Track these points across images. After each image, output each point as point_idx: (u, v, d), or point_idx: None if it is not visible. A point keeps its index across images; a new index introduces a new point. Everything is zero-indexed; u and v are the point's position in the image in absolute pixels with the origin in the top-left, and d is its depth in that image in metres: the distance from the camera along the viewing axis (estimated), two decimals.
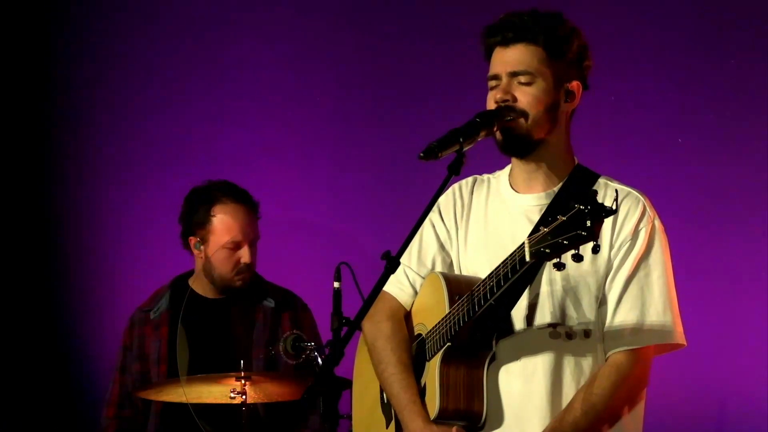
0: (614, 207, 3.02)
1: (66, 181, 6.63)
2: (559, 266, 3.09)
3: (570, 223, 3.03)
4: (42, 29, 6.58)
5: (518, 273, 3.22)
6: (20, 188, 6.56)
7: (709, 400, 5.53)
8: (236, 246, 5.07)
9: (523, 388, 3.41)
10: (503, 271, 3.25)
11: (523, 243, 3.17)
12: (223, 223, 5.09)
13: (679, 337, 3.43)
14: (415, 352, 3.59)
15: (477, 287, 3.35)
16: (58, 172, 6.63)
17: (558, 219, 3.05)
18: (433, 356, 3.47)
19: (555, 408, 3.40)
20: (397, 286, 3.65)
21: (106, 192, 6.58)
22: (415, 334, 3.62)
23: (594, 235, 3.01)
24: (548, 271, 3.40)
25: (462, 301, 3.38)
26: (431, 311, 3.51)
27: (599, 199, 3.02)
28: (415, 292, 3.64)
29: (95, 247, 6.58)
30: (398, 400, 3.51)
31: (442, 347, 3.42)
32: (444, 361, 3.41)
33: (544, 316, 3.42)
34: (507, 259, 3.25)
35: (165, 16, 6.54)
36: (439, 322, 3.46)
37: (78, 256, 6.60)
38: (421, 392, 3.50)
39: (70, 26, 6.62)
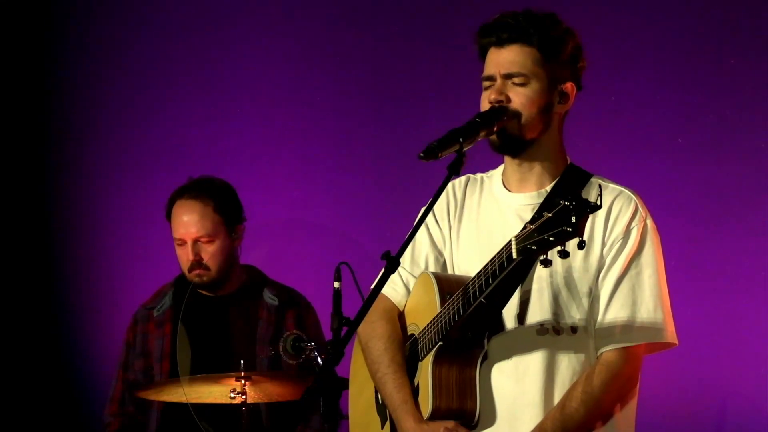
0: (598, 203, 3.03)
1: (66, 181, 6.63)
2: (546, 263, 3.10)
3: (555, 220, 3.04)
4: (40, 29, 6.58)
5: (506, 270, 3.23)
6: (21, 188, 6.56)
7: (708, 400, 5.53)
8: (182, 242, 5.09)
9: (515, 386, 3.42)
10: (491, 269, 3.27)
11: (510, 240, 3.18)
12: (173, 219, 5.13)
13: (670, 336, 3.43)
14: (408, 352, 3.59)
15: (467, 286, 3.36)
16: (58, 171, 6.63)
17: (544, 216, 3.07)
18: (425, 356, 3.47)
19: (547, 406, 3.41)
20: (391, 286, 3.65)
21: (106, 191, 6.58)
22: (408, 334, 3.62)
23: (579, 230, 3.02)
24: (539, 269, 3.41)
25: (452, 300, 3.39)
26: (423, 311, 3.52)
27: (589, 198, 3.03)
28: (409, 292, 3.65)
29: (96, 246, 6.58)
30: (391, 399, 3.52)
31: (434, 347, 3.42)
32: (436, 361, 3.42)
33: (535, 314, 3.42)
34: (495, 256, 3.26)
35: (164, 15, 6.54)
36: (430, 322, 3.46)
37: (79, 254, 6.61)
38: (414, 392, 3.51)
39: (69, 26, 6.62)
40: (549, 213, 3.05)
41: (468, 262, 3.54)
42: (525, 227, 3.15)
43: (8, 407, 6.37)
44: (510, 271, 3.24)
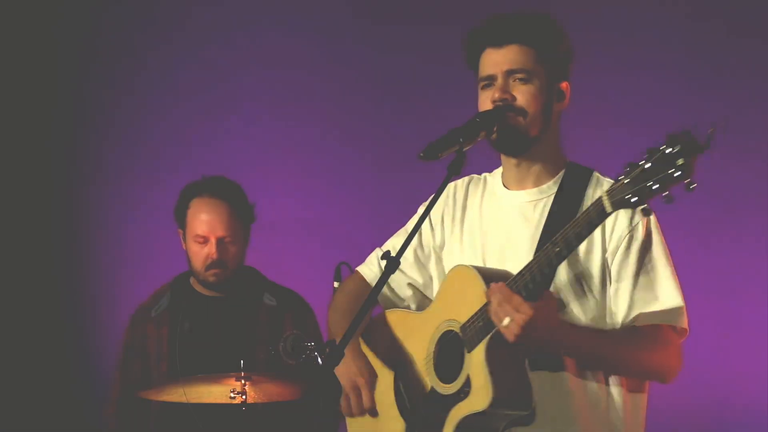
0: (707, 144, 2.96)
1: (68, 181, 6.64)
2: (668, 199, 2.98)
3: (657, 167, 2.96)
4: (45, 31, 6.59)
5: (595, 228, 3.15)
6: (22, 188, 6.57)
7: (709, 400, 5.53)
8: (204, 240, 5.08)
9: (552, 381, 3.40)
10: (574, 231, 3.16)
11: (600, 198, 3.10)
12: (194, 215, 5.11)
13: (687, 321, 3.43)
14: (445, 346, 3.51)
15: (534, 260, 3.27)
16: (60, 171, 6.64)
17: (640, 165, 2.99)
18: (474, 347, 3.38)
19: (562, 406, 3.39)
20: (368, 267, 3.79)
21: (107, 191, 6.58)
22: (445, 330, 3.53)
23: (690, 170, 2.94)
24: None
25: (513, 280, 3.30)
26: (464, 305, 3.42)
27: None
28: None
29: (97, 246, 6.59)
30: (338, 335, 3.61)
31: (485, 336, 3.34)
32: (490, 350, 3.33)
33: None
34: (578, 218, 3.17)
35: (166, 16, 6.55)
36: (477, 312, 3.38)
37: (80, 255, 6.61)
38: (465, 385, 3.43)
39: (73, 28, 6.62)
40: (646, 163, 2.96)
41: (471, 263, 3.51)
42: (617, 181, 3.05)
43: (8, 407, 6.37)
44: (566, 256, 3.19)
